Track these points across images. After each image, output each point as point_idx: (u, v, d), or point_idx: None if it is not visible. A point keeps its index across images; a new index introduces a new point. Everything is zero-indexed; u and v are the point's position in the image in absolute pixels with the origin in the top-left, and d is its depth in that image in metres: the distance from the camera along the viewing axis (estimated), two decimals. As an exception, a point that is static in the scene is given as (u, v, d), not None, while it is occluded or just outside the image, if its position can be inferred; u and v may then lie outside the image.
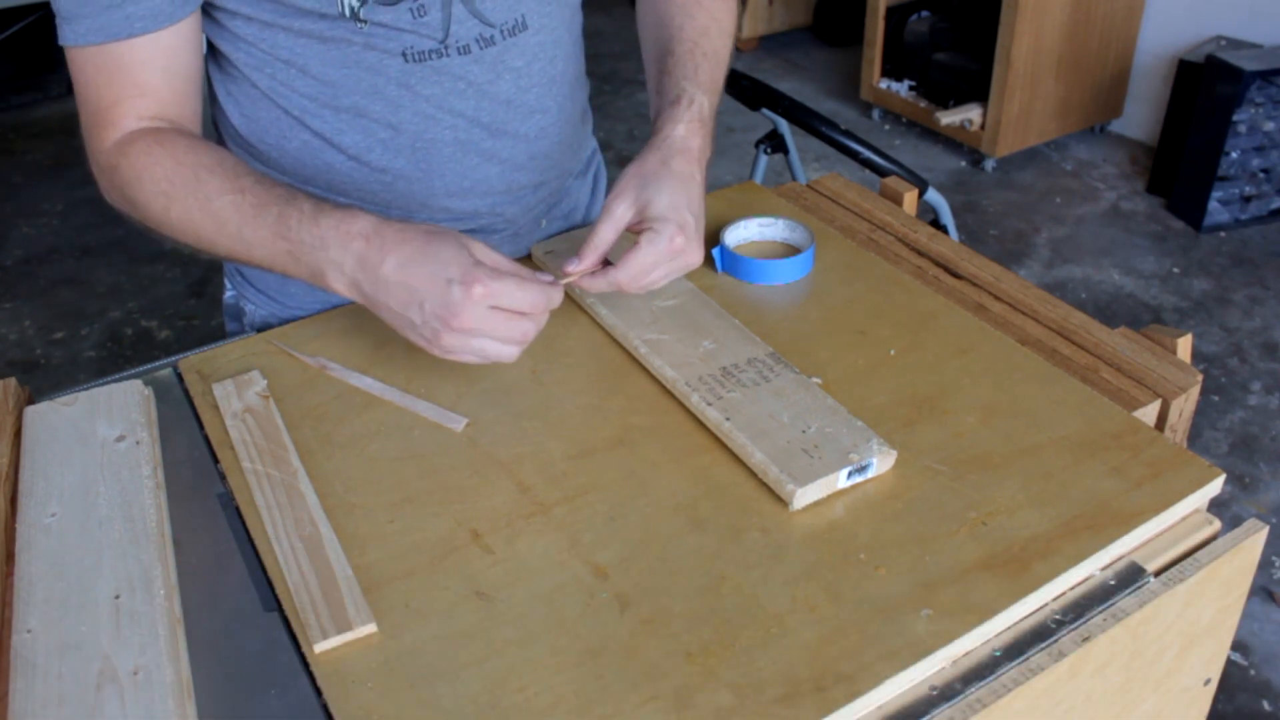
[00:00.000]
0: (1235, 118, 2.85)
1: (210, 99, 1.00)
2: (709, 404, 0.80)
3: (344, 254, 0.78)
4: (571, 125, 1.07)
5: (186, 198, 0.84)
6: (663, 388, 0.86)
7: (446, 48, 0.92)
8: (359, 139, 0.94)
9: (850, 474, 0.74)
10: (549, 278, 0.81)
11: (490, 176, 1.00)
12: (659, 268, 0.85)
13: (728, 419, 0.79)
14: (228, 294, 1.11)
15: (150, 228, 0.89)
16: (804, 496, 0.73)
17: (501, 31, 0.94)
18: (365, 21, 0.88)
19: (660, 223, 0.84)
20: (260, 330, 1.05)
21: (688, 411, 0.83)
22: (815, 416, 0.79)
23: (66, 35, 0.84)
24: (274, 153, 0.97)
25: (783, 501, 0.74)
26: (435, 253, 0.76)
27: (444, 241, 0.76)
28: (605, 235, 0.85)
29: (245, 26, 0.90)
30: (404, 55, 0.91)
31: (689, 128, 0.90)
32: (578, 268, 0.85)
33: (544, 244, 1.03)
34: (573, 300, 0.96)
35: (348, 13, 0.87)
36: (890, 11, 3.59)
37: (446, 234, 0.77)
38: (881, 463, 0.75)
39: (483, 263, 0.76)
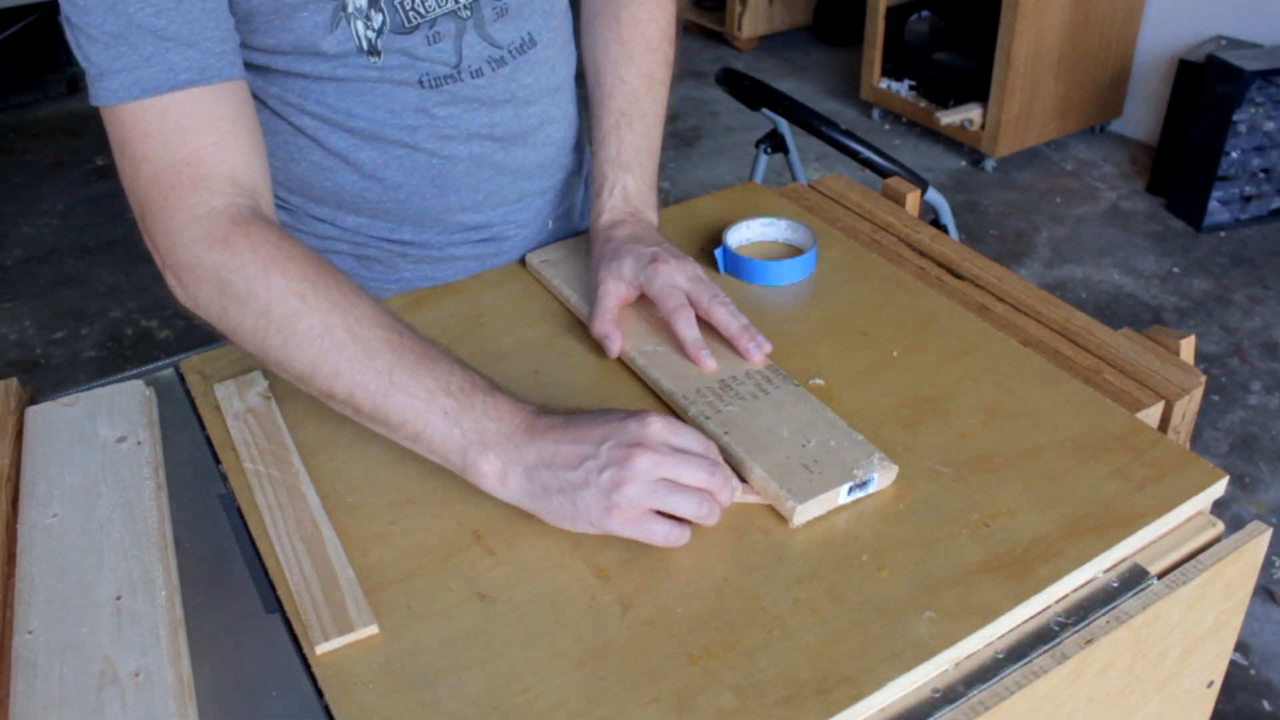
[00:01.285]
0: (1235, 118, 2.85)
1: None
2: (707, 418, 0.80)
3: (515, 426, 0.72)
4: (574, 127, 1.09)
5: (330, 310, 0.73)
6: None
7: (460, 72, 0.92)
8: (374, 155, 0.94)
9: (851, 489, 0.74)
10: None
11: (502, 188, 1.01)
12: (678, 291, 0.88)
13: (726, 433, 0.78)
14: None
15: (243, 334, 0.75)
16: (804, 513, 0.72)
17: (510, 52, 0.95)
18: (380, 54, 0.87)
19: (646, 273, 0.89)
20: None
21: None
22: (815, 430, 0.78)
23: (98, 94, 0.74)
24: (280, 175, 0.96)
25: (785, 503, 0.74)
26: (603, 411, 0.73)
27: (610, 408, 0.74)
28: (610, 303, 0.90)
29: (257, 73, 0.88)
30: (420, 82, 0.91)
31: (613, 214, 0.96)
32: (616, 344, 0.88)
33: (538, 253, 1.03)
34: (568, 308, 0.96)
35: (365, 45, 0.86)
36: (890, 11, 3.59)
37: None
38: (883, 478, 0.75)
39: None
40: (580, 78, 1.07)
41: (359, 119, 0.91)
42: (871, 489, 0.75)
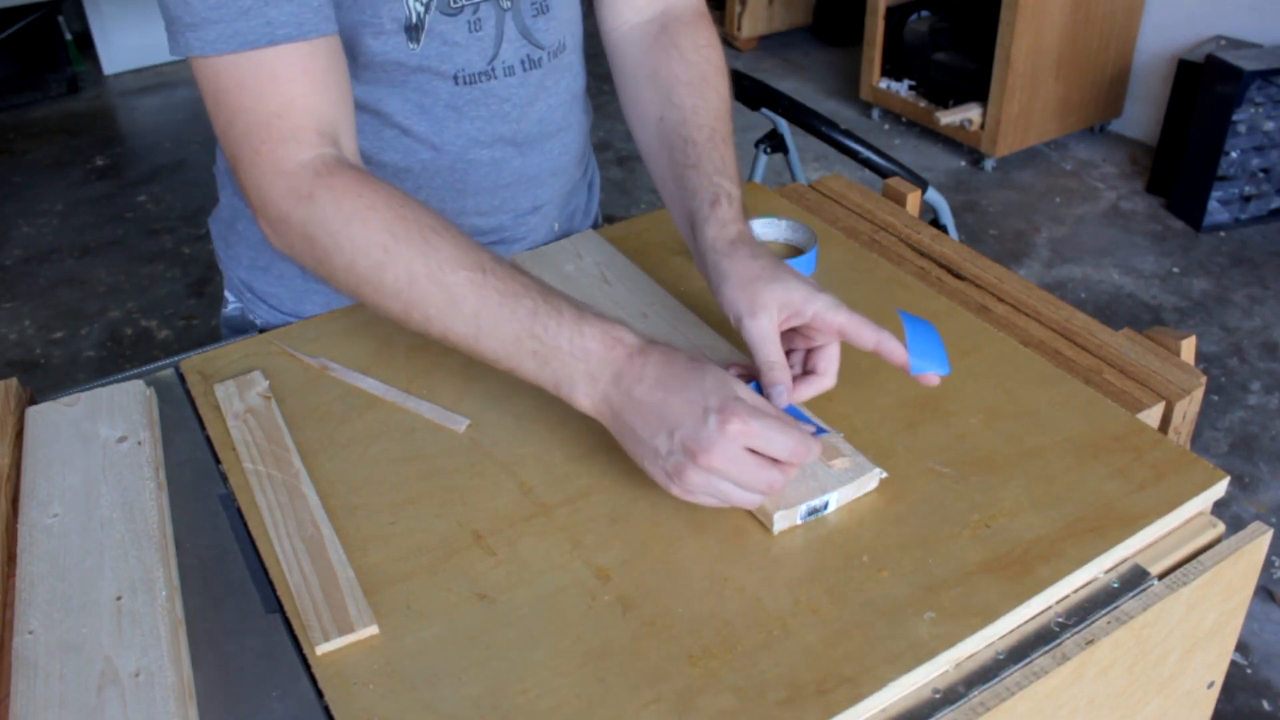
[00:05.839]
0: (1235, 117, 2.85)
1: None
2: None
3: (603, 367, 0.72)
4: (584, 137, 1.10)
5: (412, 259, 0.74)
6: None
7: (494, 69, 0.93)
8: (399, 157, 0.94)
9: (824, 505, 0.74)
10: (811, 426, 0.77)
11: (517, 194, 1.02)
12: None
13: None
14: (229, 307, 1.09)
15: (337, 283, 0.77)
16: (784, 520, 0.72)
17: (548, 54, 0.96)
18: (420, 39, 0.87)
19: (824, 312, 0.78)
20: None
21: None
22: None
23: (192, 44, 0.74)
24: None
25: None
26: (697, 380, 0.70)
27: (707, 371, 0.71)
28: (779, 355, 0.78)
29: None
30: (455, 78, 0.91)
31: (739, 226, 0.85)
32: (786, 397, 0.77)
33: (522, 255, 1.04)
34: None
35: (414, 19, 0.86)
36: (890, 11, 3.59)
37: (710, 366, 0.71)
38: (866, 483, 0.75)
39: (744, 399, 0.70)
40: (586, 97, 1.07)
41: (392, 114, 0.92)
42: (865, 491, 0.75)
